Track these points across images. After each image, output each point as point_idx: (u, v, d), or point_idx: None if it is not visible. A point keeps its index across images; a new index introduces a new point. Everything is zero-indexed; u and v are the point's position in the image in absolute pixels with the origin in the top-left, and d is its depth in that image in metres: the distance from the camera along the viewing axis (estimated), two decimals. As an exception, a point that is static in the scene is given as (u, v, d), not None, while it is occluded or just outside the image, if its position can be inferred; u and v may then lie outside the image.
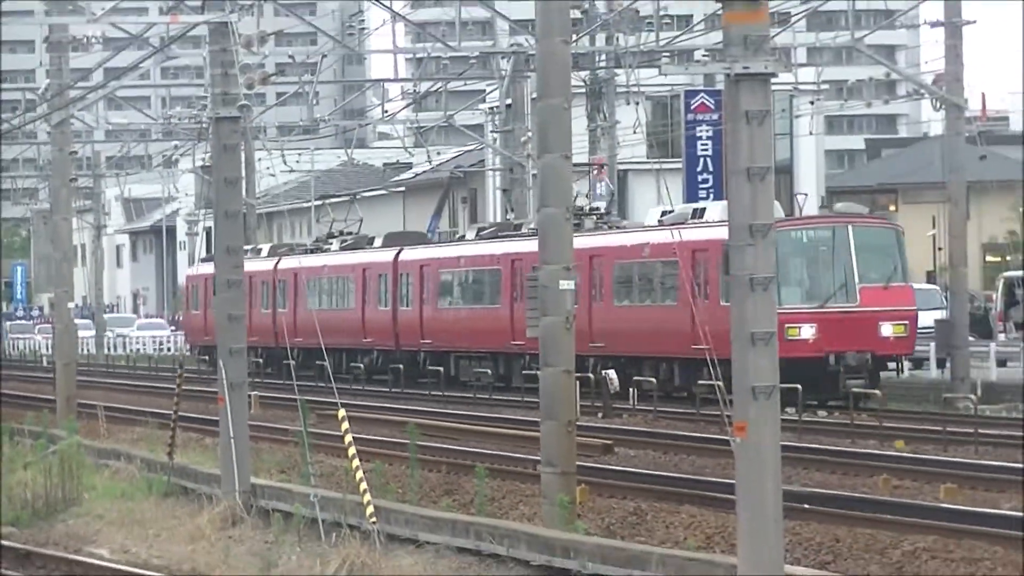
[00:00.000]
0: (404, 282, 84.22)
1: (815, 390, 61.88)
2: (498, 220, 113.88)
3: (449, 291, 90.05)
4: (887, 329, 62.36)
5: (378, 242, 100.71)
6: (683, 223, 73.33)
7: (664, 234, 73.94)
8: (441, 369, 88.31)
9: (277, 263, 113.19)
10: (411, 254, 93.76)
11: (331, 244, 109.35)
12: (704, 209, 74.39)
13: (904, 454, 58.63)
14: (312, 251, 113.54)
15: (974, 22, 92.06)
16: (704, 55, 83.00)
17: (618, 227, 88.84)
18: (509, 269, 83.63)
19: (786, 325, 59.50)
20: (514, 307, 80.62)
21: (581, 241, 74.06)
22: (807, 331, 61.22)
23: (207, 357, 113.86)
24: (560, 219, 46.96)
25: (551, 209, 46.43)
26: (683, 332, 66.76)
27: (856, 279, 62.05)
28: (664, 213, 78.25)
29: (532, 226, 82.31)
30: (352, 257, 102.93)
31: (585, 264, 76.38)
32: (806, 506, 44.02)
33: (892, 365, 67.49)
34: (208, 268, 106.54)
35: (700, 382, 69.07)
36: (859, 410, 62.22)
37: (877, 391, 63.91)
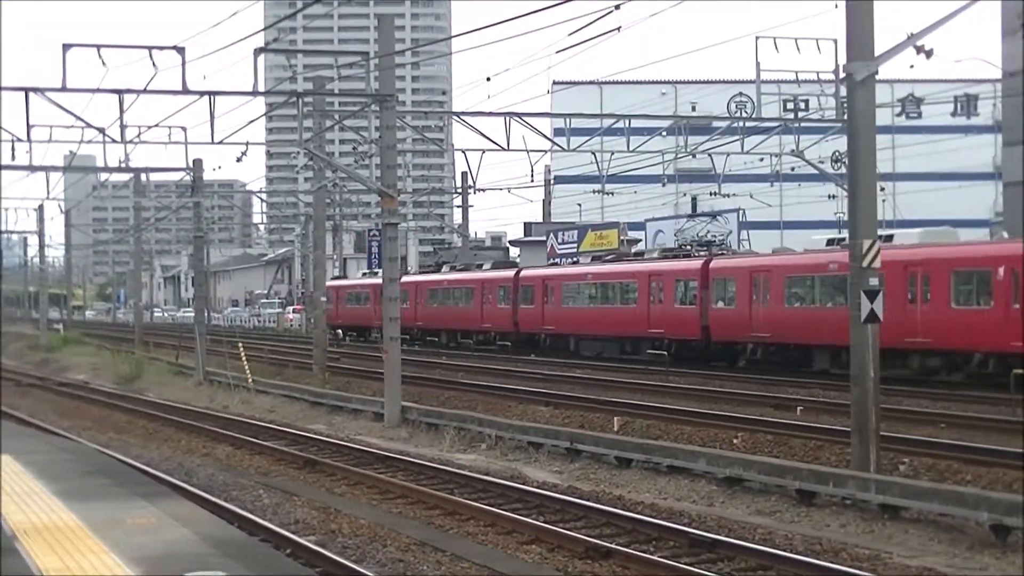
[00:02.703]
0: (523, 290, 66.16)
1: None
2: (302, 278, 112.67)
3: (530, 295, 67.64)
4: None
5: (487, 266, 77.69)
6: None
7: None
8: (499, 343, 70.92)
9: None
10: (527, 272, 70.43)
11: (444, 269, 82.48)
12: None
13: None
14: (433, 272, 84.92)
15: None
16: (376, 216, 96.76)
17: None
18: (649, 283, 56.68)
19: None
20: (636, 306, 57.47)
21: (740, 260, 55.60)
22: None
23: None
24: (322, 276, 55.84)
25: (319, 270, 55.85)
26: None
27: None
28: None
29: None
30: (474, 275, 75.36)
31: (746, 277, 51.01)
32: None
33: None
34: (339, 282, 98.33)
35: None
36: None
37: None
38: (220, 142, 40.38)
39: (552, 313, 66.51)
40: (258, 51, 35.87)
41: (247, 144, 46.32)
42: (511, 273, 73.00)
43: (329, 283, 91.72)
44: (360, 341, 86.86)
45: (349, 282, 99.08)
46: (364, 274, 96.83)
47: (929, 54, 23.77)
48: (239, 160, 47.05)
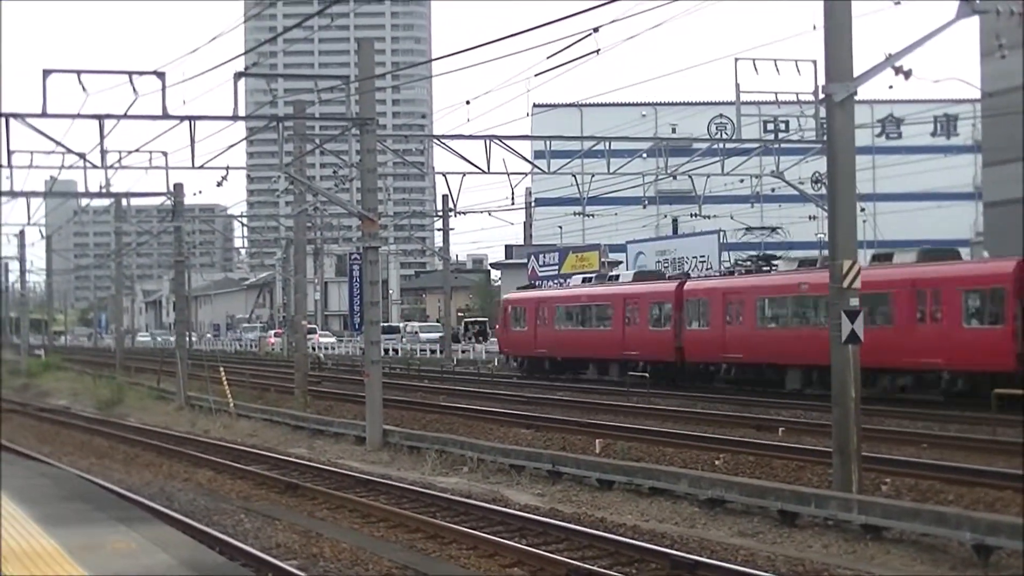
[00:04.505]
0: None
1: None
2: (283, 302, 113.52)
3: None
4: None
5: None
6: None
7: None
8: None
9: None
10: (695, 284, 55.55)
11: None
12: None
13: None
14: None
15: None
16: (356, 240, 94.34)
17: None
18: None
19: None
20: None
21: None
22: None
23: (524, 364, 68.40)
24: (303, 300, 56.36)
25: (299, 294, 56.66)
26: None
27: None
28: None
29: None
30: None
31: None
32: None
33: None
34: (530, 293, 72.37)
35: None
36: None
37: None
38: (201, 167, 40.69)
39: None
40: (238, 75, 35.89)
41: (227, 168, 46.47)
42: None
43: (514, 295, 73.99)
44: (565, 381, 62.17)
45: (561, 292, 69.88)
46: (585, 280, 69.97)
47: (908, 75, 23.83)
48: (220, 184, 47.06)
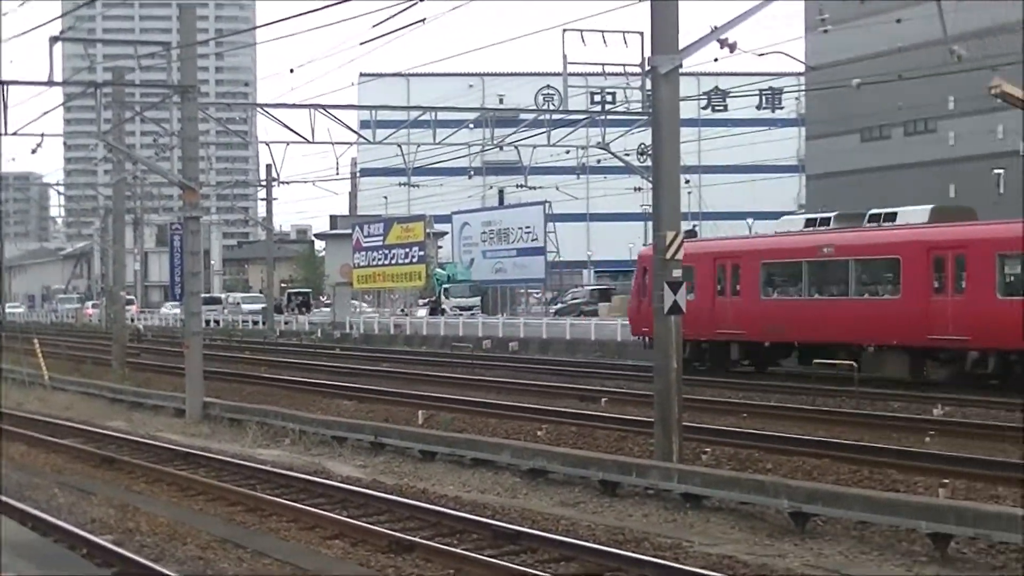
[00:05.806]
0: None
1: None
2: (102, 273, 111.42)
3: None
4: None
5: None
6: None
7: None
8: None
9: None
10: None
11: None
12: None
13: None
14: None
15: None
16: (178, 210, 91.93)
17: None
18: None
19: None
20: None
21: None
22: None
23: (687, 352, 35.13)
24: (122, 271, 55.56)
25: (118, 265, 56.05)
26: None
27: None
28: None
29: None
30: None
31: None
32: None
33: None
34: (702, 244, 47.41)
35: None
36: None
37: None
38: (14, 133, 39.75)
39: None
40: (53, 40, 35.34)
41: (43, 136, 45.87)
42: None
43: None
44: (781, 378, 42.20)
45: (771, 241, 44.74)
46: (810, 222, 43.38)
47: (732, 48, 24.33)
48: (35, 152, 46.67)
